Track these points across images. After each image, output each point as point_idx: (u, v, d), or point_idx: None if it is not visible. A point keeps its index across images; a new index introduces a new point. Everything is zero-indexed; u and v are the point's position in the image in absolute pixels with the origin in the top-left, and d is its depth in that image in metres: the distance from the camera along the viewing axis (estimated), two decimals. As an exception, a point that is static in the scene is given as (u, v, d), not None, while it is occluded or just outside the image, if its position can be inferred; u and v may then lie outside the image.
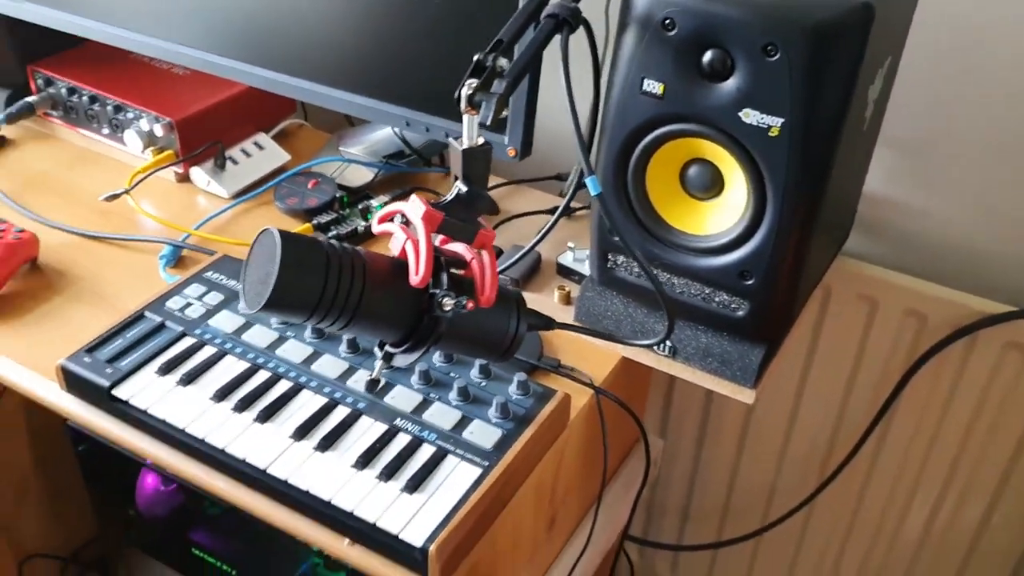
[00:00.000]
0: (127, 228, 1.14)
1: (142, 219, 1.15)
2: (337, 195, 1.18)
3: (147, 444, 0.88)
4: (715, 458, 1.42)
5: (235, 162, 1.21)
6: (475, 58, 0.72)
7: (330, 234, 1.13)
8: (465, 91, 0.70)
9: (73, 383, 0.91)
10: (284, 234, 0.69)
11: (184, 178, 1.22)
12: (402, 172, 1.24)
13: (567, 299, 1.04)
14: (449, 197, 0.74)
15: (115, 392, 0.88)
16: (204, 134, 1.20)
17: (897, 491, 1.30)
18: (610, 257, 0.94)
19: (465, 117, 0.71)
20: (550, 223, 0.98)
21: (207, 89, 1.23)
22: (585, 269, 1.05)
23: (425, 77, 0.99)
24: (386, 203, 1.17)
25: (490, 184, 1.23)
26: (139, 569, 1.53)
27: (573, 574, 1.09)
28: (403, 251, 0.72)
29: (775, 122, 0.78)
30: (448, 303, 0.71)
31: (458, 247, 0.74)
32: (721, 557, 1.52)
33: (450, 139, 0.73)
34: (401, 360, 0.77)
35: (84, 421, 0.91)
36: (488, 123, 0.69)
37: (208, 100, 1.21)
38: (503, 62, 0.72)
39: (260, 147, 1.25)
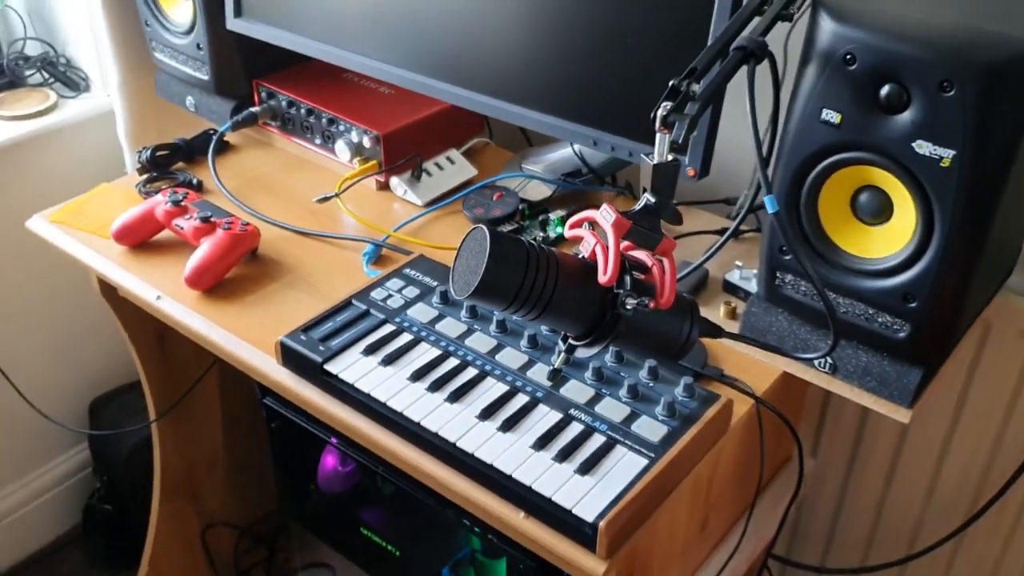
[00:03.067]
0: (334, 227, 1.28)
1: (347, 220, 1.29)
2: (519, 207, 1.28)
3: (351, 416, 0.99)
4: (864, 483, 1.44)
5: (429, 174, 1.34)
6: (671, 83, 0.80)
7: (511, 242, 1.23)
8: (660, 112, 0.79)
9: (289, 357, 1.03)
10: (493, 231, 0.79)
11: (384, 186, 1.35)
12: (578, 189, 1.33)
13: (732, 314, 1.10)
14: (637, 207, 0.82)
15: (327, 367, 1.00)
16: (405, 147, 1.32)
17: (1053, 533, 1.29)
18: (778, 275, 1.00)
19: (658, 135, 0.79)
20: (721, 241, 1.04)
21: (409, 107, 1.36)
22: (751, 287, 1.11)
23: (615, 101, 1.08)
24: (563, 217, 1.27)
25: (660, 204, 1.31)
26: (305, 546, 1.65)
27: (720, 578, 1.14)
28: (592, 253, 0.81)
29: (947, 154, 0.83)
30: (631, 302, 0.79)
31: (641, 254, 0.82)
32: (865, 585, 1.53)
33: (643, 155, 0.81)
34: (583, 352, 0.85)
35: (295, 391, 1.03)
36: (680, 141, 0.77)
37: (410, 117, 1.34)
38: (696, 87, 0.80)
39: (451, 161, 1.37)
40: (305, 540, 1.66)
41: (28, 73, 1.70)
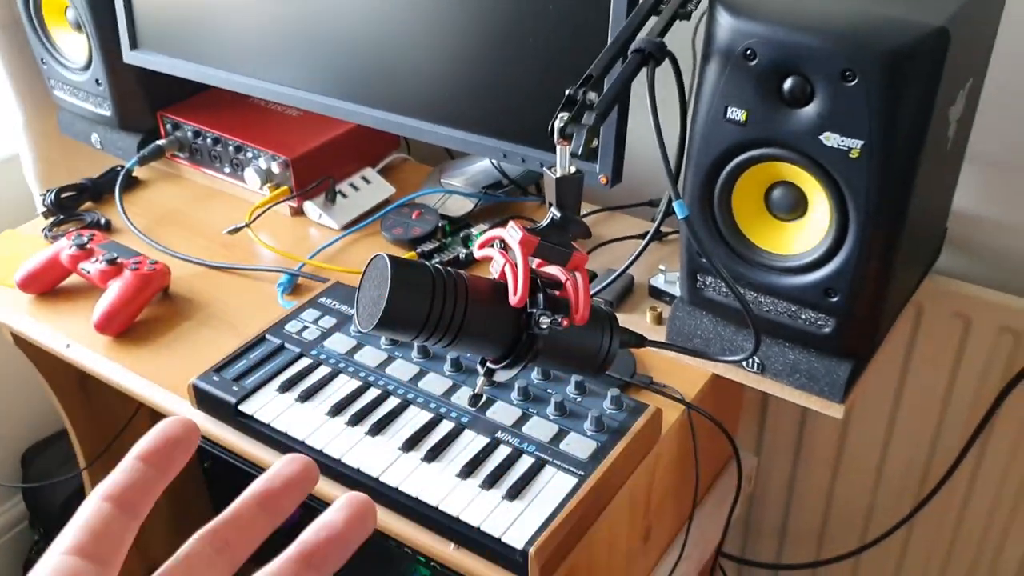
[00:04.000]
0: (247, 259, 1.23)
1: (260, 250, 1.25)
2: (439, 224, 1.25)
3: (270, 455, 0.95)
4: (811, 476, 1.43)
5: (344, 196, 1.30)
6: (567, 92, 0.77)
7: (433, 260, 1.20)
8: (558, 123, 0.76)
9: (203, 400, 0.99)
10: (393, 259, 0.75)
11: (298, 212, 1.31)
12: (500, 201, 1.31)
13: (659, 319, 1.08)
14: (544, 223, 0.79)
15: (241, 408, 0.96)
16: (316, 170, 1.29)
17: (998, 510, 1.29)
18: (699, 278, 0.98)
19: (558, 148, 0.77)
20: (641, 247, 1.02)
21: (318, 128, 1.32)
22: (676, 291, 1.09)
23: (520, 111, 1.05)
24: (485, 231, 1.24)
25: (585, 210, 1.29)
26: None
27: (668, 587, 1.12)
28: (502, 273, 0.78)
29: (855, 144, 0.81)
30: (544, 321, 0.76)
31: (553, 269, 0.80)
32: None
33: (544, 168, 0.78)
34: (502, 375, 0.82)
35: (213, 435, 0.99)
36: (579, 153, 0.75)
37: (319, 139, 1.30)
38: (592, 96, 0.77)
39: (367, 181, 1.33)
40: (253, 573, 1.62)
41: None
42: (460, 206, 1.30)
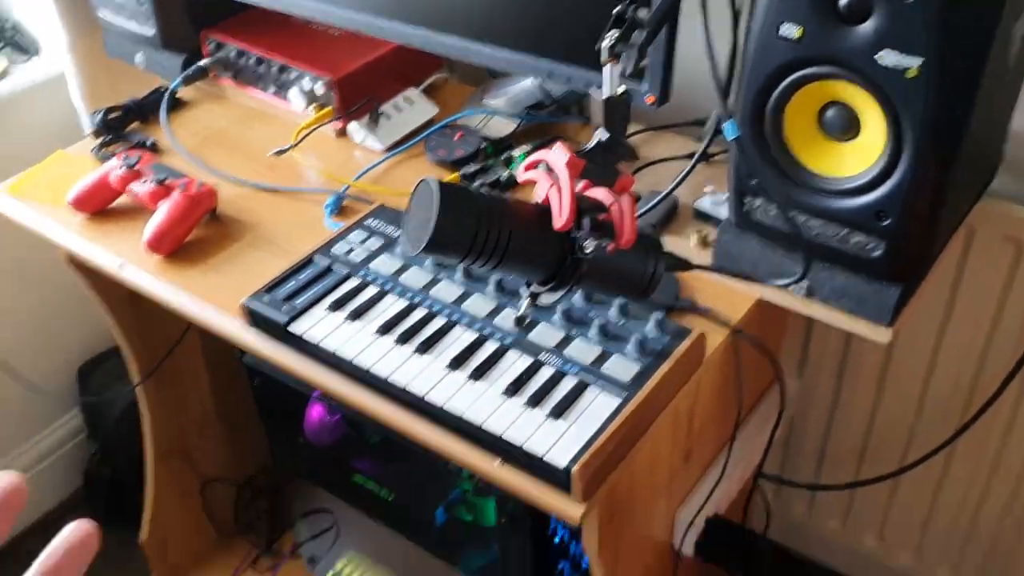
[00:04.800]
0: (293, 180, 1.24)
1: (306, 171, 1.25)
2: (482, 146, 1.24)
3: (319, 374, 0.97)
4: (853, 399, 1.43)
5: (388, 117, 1.29)
6: (615, 10, 0.76)
7: (476, 183, 1.20)
8: (606, 42, 0.75)
9: (254, 319, 1.01)
10: (441, 183, 0.75)
11: (342, 133, 1.31)
12: (543, 122, 1.29)
13: (704, 242, 1.07)
14: (590, 144, 0.79)
15: (291, 328, 0.98)
16: (360, 91, 1.28)
17: (1044, 436, 1.29)
18: (747, 200, 0.97)
19: (606, 67, 0.76)
20: (687, 169, 1.01)
21: (361, 48, 1.31)
22: (722, 213, 1.08)
23: (566, 28, 1.03)
24: (527, 152, 1.23)
25: (631, 130, 1.27)
26: (304, 496, 1.66)
27: (707, 505, 1.14)
28: (547, 197, 0.78)
29: (913, 63, 0.79)
30: (589, 245, 0.76)
31: (599, 192, 0.79)
32: (859, 498, 1.53)
33: (591, 89, 0.77)
34: (546, 298, 0.83)
35: (263, 354, 1.02)
36: (629, 73, 0.74)
37: (363, 58, 1.29)
38: (642, 13, 0.76)
39: (410, 102, 1.32)
40: (303, 490, 1.67)
41: (-25, 40, 1.65)
42: (502, 127, 1.29)
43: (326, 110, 1.28)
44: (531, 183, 0.80)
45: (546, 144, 1.26)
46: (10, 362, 1.65)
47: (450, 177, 1.21)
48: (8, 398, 1.81)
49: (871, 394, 1.41)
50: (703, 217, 1.11)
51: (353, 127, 1.29)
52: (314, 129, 1.27)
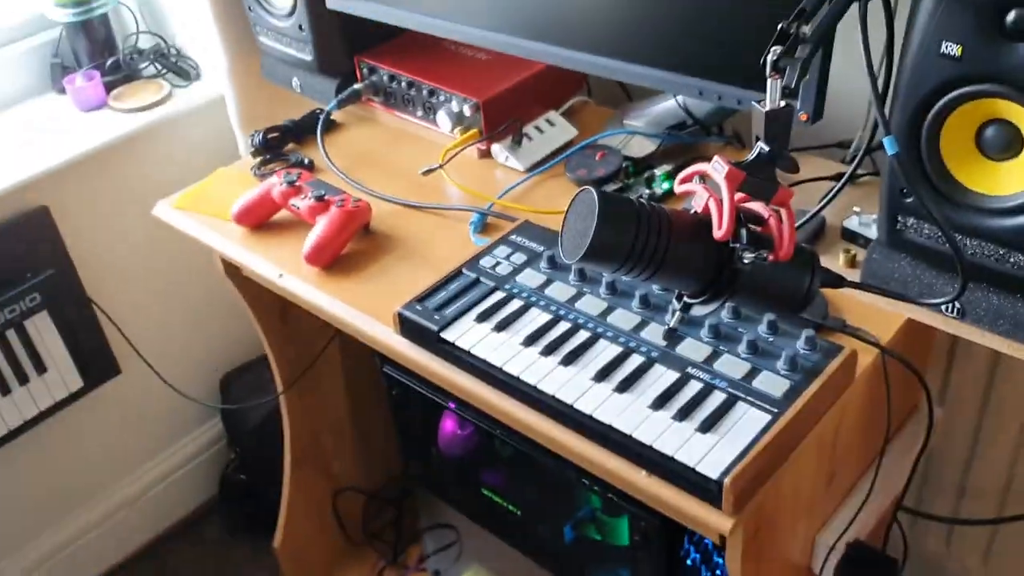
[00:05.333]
0: (439, 198, 1.29)
1: (452, 190, 1.30)
2: (623, 165, 1.26)
3: (467, 381, 1.01)
4: (998, 430, 1.38)
5: (530, 138, 1.33)
6: (779, 26, 0.77)
7: (618, 201, 1.22)
8: (771, 57, 0.76)
9: (406, 327, 1.06)
10: (601, 192, 0.78)
11: (486, 154, 1.35)
12: (683, 142, 1.31)
13: (852, 262, 1.07)
14: (751, 157, 0.80)
15: (443, 335, 1.01)
16: (504, 113, 1.32)
17: None
18: (900, 219, 0.96)
19: (769, 81, 0.77)
20: (838, 186, 1.01)
21: (506, 71, 1.35)
22: (871, 233, 1.07)
23: (716, 46, 1.05)
24: (669, 172, 1.24)
25: (770, 153, 1.27)
26: (429, 508, 1.70)
27: (848, 530, 1.12)
28: (706, 207, 0.79)
29: (1084, 80, 0.78)
30: (748, 256, 0.77)
31: (756, 205, 0.80)
32: (1002, 536, 1.47)
33: (753, 103, 0.79)
34: (699, 310, 0.84)
35: (414, 360, 1.06)
36: (793, 86, 0.75)
37: (507, 82, 1.33)
38: (806, 29, 0.77)
39: (551, 123, 1.36)
40: (429, 502, 1.71)
41: (142, 66, 1.77)
42: (643, 147, 1.31)
43: (472, 132, 1.33)
44: (688, 194, 0.82)
45: (688, 163, 1.27)
46: (160, 369, 1.75)
47: (591, 196, 1.23)
48: (156, 403, 1.91)
49: (1017, 425, 1.36)
50: (850, 237, 1.10)
51: (496, 148, 1.33)
52: (461, 150, 1.32)
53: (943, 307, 0.97)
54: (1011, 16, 0.79)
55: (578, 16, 1.16)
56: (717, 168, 0.78)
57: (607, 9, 1.13)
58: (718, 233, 0.77)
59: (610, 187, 1.24)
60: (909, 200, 0.94)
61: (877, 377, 1.00)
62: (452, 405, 1.37)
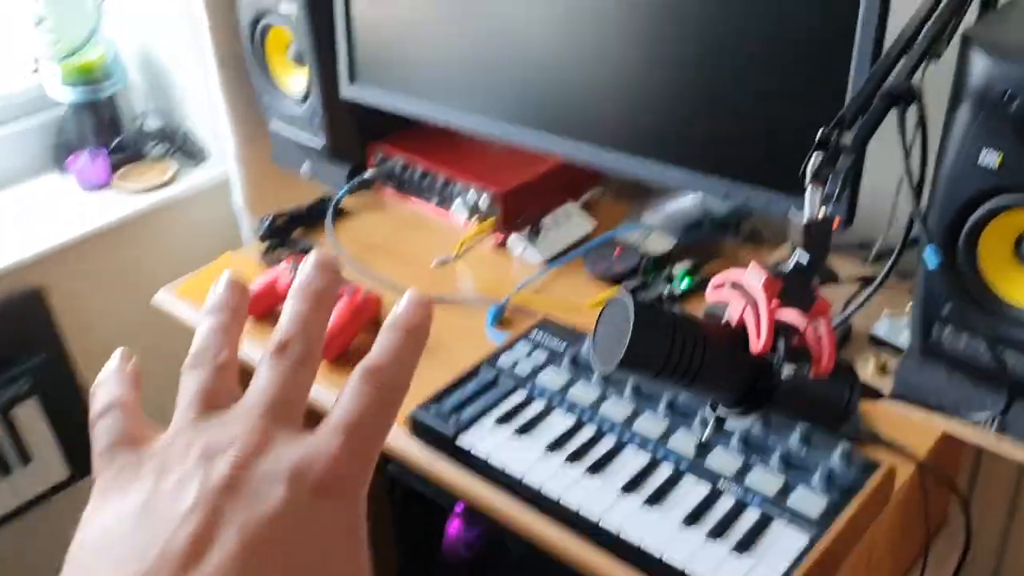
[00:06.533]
0: (453, 289, 1.26)
1: (466, 281, 1.27)
2: (642, 261, 1.24)
3: (487, 491, 0.96)
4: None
5: (547, 230, 1.31)
6: (819, 134, 0.75)
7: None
8: (811, 166, 0.74)
9: (420, 431, 1.01)
10: (636, 301, 0.75)
11: (500, 244, 1.33)
12: (702, 240, 1.28)
13: (883, 370, 1.03)
14: (788, 266, 0.77)
15: (458, 441, 0.97)
16: (522, 204, 1.30)
17: None
18: (935, 329, 0.93)
19: (809, 191, 0.74)
20: (869, 292, 0.97)
21: (523, 163, 1.33)
22: (900, 340, 1.04)
23: (746, 149, 1.03)
24: (688, 270, 1.22)
25: (784, 245, 1.25)
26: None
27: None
28: (741, 317, 0.76)
29: None
30: (787, 369, 0.74)
31: (791, 314, 0.77)
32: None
33: (792, 210, 0.76)
34: (733, 423, 0.80)
35: (426, 466, 1.01)
36: (836, 197, 0.72)
37: (526, 173, 1.32)
38: (847, 138, 0.75)
39: (569, 216, 1.34)
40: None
41: (149, 145, 1.75)
42: (661, 244, 1.28)
43: (488, 222, 1.30)
44: (720, 302, 0.79)
45: (705, 261, 1.25)
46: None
47: (608, 292, 1.20)
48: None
49: None
50: (878, 342, 1.07)
51: (513, 239, 1.31)
52: (478, 242, 1.29)
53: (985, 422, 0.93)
54: (1054, 128, 0.78)
55: (602, 112, 1.14)
56: (753, 276, 0.75)
57: (632, 106, 1.12)
58: (756, 346, 0.74)
59: (629, 284, 1.22)
60: (946, 311, 0.91)
61: (911, 491, 0.96)
62: (460, 508, 1.32)
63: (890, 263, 1.00)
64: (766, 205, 1.00)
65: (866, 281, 1.19)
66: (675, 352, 0.74)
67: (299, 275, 0.42)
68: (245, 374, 0.40)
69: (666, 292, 1.20)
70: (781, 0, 0.96)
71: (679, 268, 1.23)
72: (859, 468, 0.88)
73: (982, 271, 0.88)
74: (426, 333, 0.43)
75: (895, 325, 1.06)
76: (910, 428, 0.98)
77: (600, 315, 0.78)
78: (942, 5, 0.82)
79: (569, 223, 1.33)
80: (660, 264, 1.25)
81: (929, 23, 0.81)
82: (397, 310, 0.43)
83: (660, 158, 1.10)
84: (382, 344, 0.42)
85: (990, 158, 0.82)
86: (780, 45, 0.98)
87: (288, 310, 0.40)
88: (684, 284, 1.21)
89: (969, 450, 1.30)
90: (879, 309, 1.09)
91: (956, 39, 0.84)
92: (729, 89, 1.02)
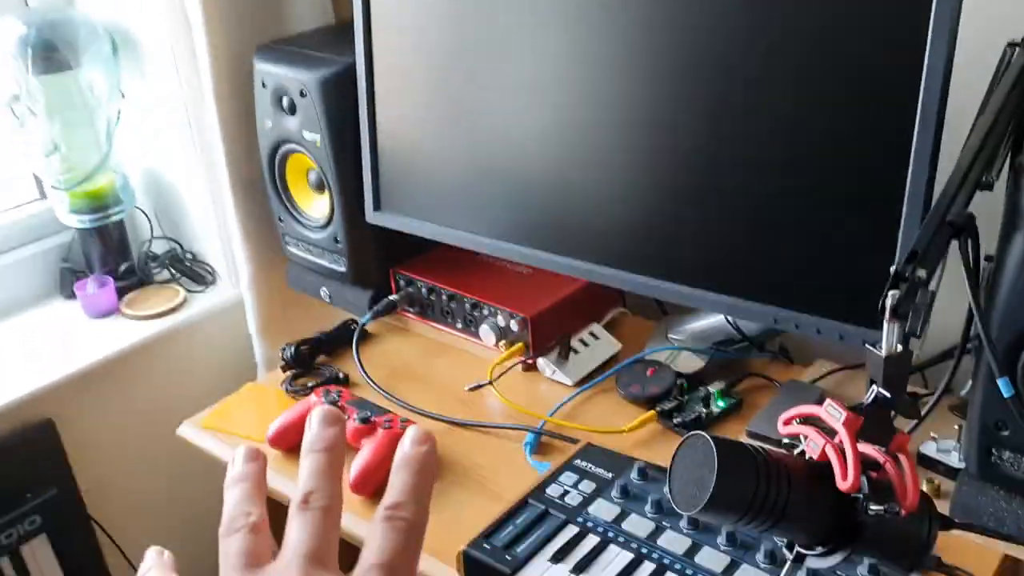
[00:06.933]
0: (485, 414, 1.24)
1: (497, 406, 1.25)
2: (677, 382, 1.23)
3: (545, 631, 0.92)
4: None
5: (575, 352, 1.30)
6: (893, 270, 0.76)
7: (675, 421, 1.18)
8: (889, 302, 0.74)
9: (474, 570, 0.98)
10: (717, 439, 0.74)
11: (529, 367, 1.32)
12: (732, 358, 1.29)
13: (937, 493, 1.02)
14: (867, 400, 0.77)
15: (519, 580, 0.94)
16: (550, 327, 1.30)
17: None
18: (994, 452, 0.93)
19: (886, 326, 0.75)
20: (924, 413, 0.98)
21: (549, 285, 1.34)
22: (951, 460, 1.04)
23: (796, 275, 1.04)
24: (722, 390, 1.22)
25: (824, 368, 1.26)
26: None
27: None
28: (823, 454, 0.75)
29: None
30: (875, 508, 0.73)
31: (868, 448, 0.77)
32: None
33: (868, 347, 0.76)
34: (814, 562, 0.78)
35: (481, 605, 0.97)
36: (919, 334, 0.73)
37: (554, 296, 1.32)
38: (922, 273, 0.76)
39: (596, 336, 1.33)
40: None
41: (156, 270, 1.73)
42: (691, 363, 1.28)
43: (518, 346, 1.30)
44: (792, 436, 0.78)
45: (738, 380, 1.25)
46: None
47: (646, 415, 1.19)
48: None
49: None
50: (928, 463, 1.06)
51: (542, 362, 1.30)
52: (511, 367, 1.28)
53: (1047, 544, 0.93)
54: (1114, 254, 0.79)
55: (645, 238, 1.14)
56: (833, 414, 0.75)
57: (680, 233, 1.12)
58: (844, 485, 0.73)
59: (665, 404, 1.21)
60: (1006, 433, 0.91)
61: (978, 617, 0.94)
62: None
63: (942, 386, 1.01)
64: (819, 331, 1.00)
65: (900, 397, 1.20)
66: (760, 492, 0.73)
67: (307, 434, 0.48)
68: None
69: (704, 414, 1.19)
70: (836, 116, 0.98)
71: (714, 388, 1.23)
72: (935, 601, 0.87)
73: (1039, 394, 0.88)
74: (435, 464, 0.49)
75: (944, 445, 1.06)
76: (970, 549, 0.97)
77: (676, 453, 0.77)
78: (992, 134, 0.85)
79: (596, 344, 1.33)
80: (695, 383, 1.24)
81: (982, 152, 0.83)
82: (402, 449, 0.48)
83: (713, 287, 1.10)
84: (396, 484, 0.47)
85: (1046, 285, 0.84)
86: (831, 170, 0.99)
87: (305, 466, 0.46)
88: (720, 404, 1.20)
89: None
90: (925, 428, 1.09)
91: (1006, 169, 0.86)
92: (775, 213, 1.04)
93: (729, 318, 1.27)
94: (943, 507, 0.99)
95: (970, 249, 0.87)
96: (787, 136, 1.01)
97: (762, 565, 0.92)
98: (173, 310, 1.65)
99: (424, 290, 1.39)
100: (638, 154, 1.11)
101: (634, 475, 1.05)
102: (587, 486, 1.05)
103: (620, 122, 1.11)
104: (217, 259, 1.73)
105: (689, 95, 1.05)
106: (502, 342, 1.31)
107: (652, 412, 1.20)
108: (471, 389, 1.25)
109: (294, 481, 1.14)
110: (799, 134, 1.00)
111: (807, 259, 1.03)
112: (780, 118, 1.00)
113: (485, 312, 1.33)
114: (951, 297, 0.83)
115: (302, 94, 1.32)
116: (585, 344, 1.33)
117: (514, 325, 1.29)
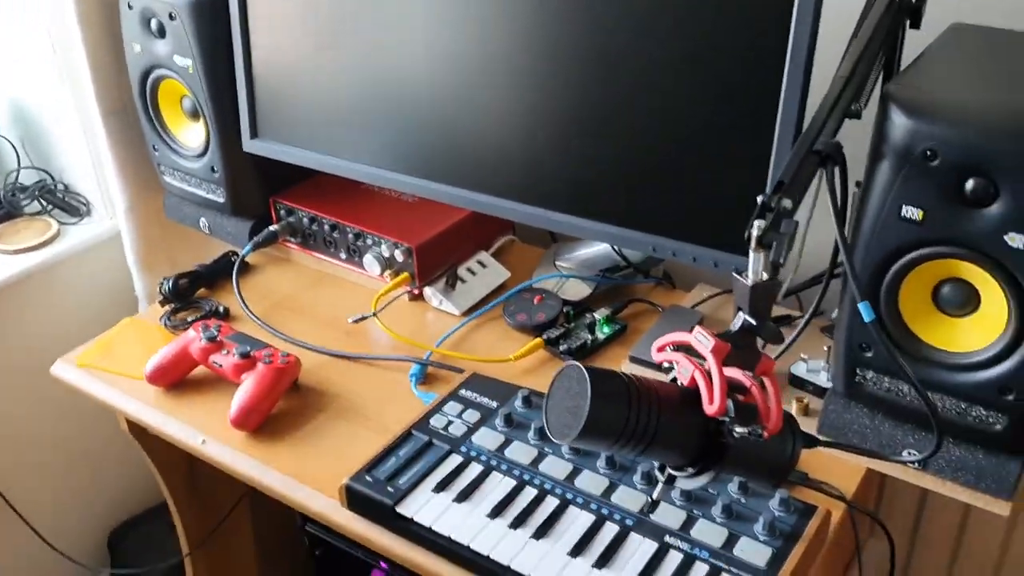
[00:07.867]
0: (370, 346, 1.23)
1: (382, 337, 1.24)
2: (563, 309, 1.24)
3: (430, 560, 0.93)
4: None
5: (463, 280, 1.30)
6: (759, 200, 0.77)
7: (561, 348, 1.19)
8: (755, 232, 0.75)
9: (357, 501, 0.98)
10: (591, 369, 0.74)
11: (416, 297, 1.30)
12: (618, 284, 1.30)
13: (805, 411, 1.06)
14: (734, 328, 0.78)
15: (399, 509, 0.94)
16: (436, 256, 1.28)
17: None
18: (858, 372, 0.97)
19: (752, 255, 0.76)
20: (794, 335, 1.01)
21: (433, 214, 1.32)
22: (819, 380, 1.08)
23: (674, 205, 1.05)
24: (608, 316, 1.23)
25: (706, 292, 1.28)
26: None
27: None
28: (692, 380, 0.77)
29: (1043, 244, 0.80)
30: (740, 430, 0.75)
31: (735, 373, 0.78)
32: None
33: (734, 275, 0.78)
34: (684, 483, 0.81)
35: (365, 538, 0.98)
36: (782, 262, 0.74)
37: (440, 225, 1.30)
38: (787, 203, 0.77)
39: (483, 265, 1.33)
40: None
41: (25, 203, 1.64)
42: (578, 290, 1.29)
43: (403, 276, 1.28)
44: (668, 363, 0.79)
45: (624, 307, 1.26)
46: (38, 525, 1.57)
47: (533, 342, 1.20)
48: (32, 567, 1.72)
49: (988, 572, 1.36)
50: (798, 383, 1.10)
51: (429, 291, 1.29)
52: (396, 297, 1.27)
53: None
54: (970, 184, 0.82)
55: (519, 166, 1.14)
56: (701, 341, 0.76)
57: (562, 164, 1.11)
58: (710, 409, 0.74)
59: (552, 332, 1.21)
60: (869, 355, 0.95)
61: (840, 530, 0.99)
62: (384, 566, 1.28)
63: (810, 311, 1.04)
64: (695, 259, 1.02)
65: (776, 320, 1.24)
66: (631, 419, 0.74)
67: None
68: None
69: (590, 340, 1.20)
70: (706, 48, 0.97)
71: (600, 315, 1.24)
72: (798, 514, 0.90)
73: (904, 318, 0.92)
74: None
75: (813, 366, 1.09)
76: (835, 465, 1.01)
77: (552, 384, 0.77)
78: (863, 61, 0.86)
79: (484, 272, 1.32)
80: (580, 310, 1.25)
81: (852, 79, 0.84)
82: None
83: (594, 216, 1.10)
84: None
85: (912, 212, 0.86)
86: (702, 99, 1.00)
87: None
88: (605, 331, 1.22)
89: (912, 493, 1.35)
90: (796, 349, 1.12)
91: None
92: (650, 143, 1.04)
93: (614, 246, 1.28)
94: (812, 425, 1.04)
95: (837, 178, 0.89)
96: (661, 63, 1.00)
97: (639, 486, 0.95)
98: (45, 243, 1.58)
99: (306, 220, 1.36)
100: (521, 83, 1.10)
101: (518, 403, 1.06)
102: (471, 415, 1.05)
103: (503, 52, 1.09)
104: (91, 190, 1.65)
105: (569, 23, 1.04)
106: (387, 272, 1.29)
107: (539, 340, 1.21)
108: (354, 321, 1.24)
109: (178, 418, 1.12)
110: (672, 61, 1.00)
111: (683, 188, 1.04)
112: (656, 44, 0.99)
113: (369, 242, 1.31)
114: (828, 221, 0.85)
115: (171, 17, 1.25)
116: (473, 273, 1.32)
117: (399, 255, 1.28)
